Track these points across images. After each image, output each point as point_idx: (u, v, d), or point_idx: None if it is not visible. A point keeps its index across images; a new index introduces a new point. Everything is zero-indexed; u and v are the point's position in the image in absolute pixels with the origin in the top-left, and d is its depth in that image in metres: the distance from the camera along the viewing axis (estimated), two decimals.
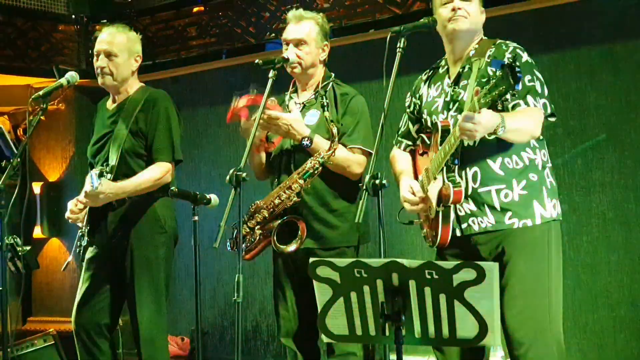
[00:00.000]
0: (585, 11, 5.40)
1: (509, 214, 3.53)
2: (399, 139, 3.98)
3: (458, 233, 3.59)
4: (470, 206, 3.57)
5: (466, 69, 3.62)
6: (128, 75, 4.67)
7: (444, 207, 3.52)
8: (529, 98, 3.47)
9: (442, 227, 3.55)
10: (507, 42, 3.65)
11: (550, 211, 3.57)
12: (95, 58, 4.67)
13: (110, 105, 4.75)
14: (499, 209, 3.53)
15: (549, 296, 3.53)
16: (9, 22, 7.30)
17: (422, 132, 3.83)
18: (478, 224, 3.56)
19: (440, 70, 3.80)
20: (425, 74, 3.90)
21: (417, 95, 3.88)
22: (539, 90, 3.52)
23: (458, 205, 3.56)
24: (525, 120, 3.44)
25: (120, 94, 4.70)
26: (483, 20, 3.71)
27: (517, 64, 3.00)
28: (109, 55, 4.61)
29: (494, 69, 3.10)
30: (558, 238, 3.63)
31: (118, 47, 4.63)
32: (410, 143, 3.92)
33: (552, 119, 3.55)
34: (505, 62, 3.04)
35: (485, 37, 3.72)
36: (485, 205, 3.55)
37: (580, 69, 5.41)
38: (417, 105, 3.87)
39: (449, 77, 3.71)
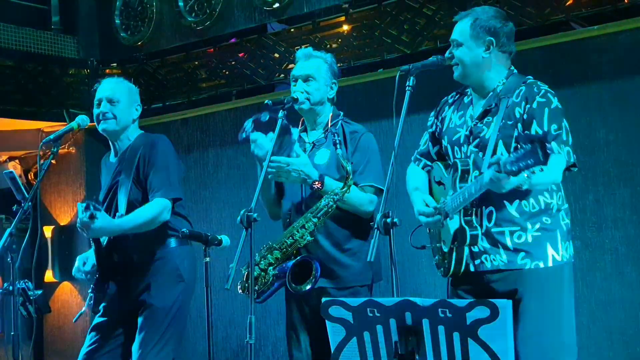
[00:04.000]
0: (594, 48, 5.41)
1: (521, 254, 3.54)
2: (418, 156, 3.99)
3: (472, 268, 3.60)
4: (484, 243, 3.57)
5: (493, 106, 3.63)
6: (129, 122, 4.65)
7: (458, 246, 3.54)
8: (554, 145, 3.45)
9: (455, 261, 3.57)
10: (539, 83, 3.64)
11: (563, 254, 3.58)
12: (96, 106, 4.65)
13: (112, 157, 4.72)
14: (512, 249, 3.54)
15: (561, 335, 3.54)
16: (20, 66, 7.36)
17: (440, 159, 3.84)
18: (491, 261, 3.57)
19: (466, 99, 3.81)
20: (451, 97, 3.91)
21: (440, 118, 3.89)
22: (564, 138, 3.51)
23: None
24: (550, 173, 3.39)
25: (121, 142, 4.66)
26: (491, 55, 3.67)
27: (549, 144, 2.99)
28: (111, 101, 4.60)
29: (523, 144, 3.07)
30: (570, 279, 3.64)
31: (120, 93, 4.63)
32: (429, 163, 3.93)
33: (574, 169, 3.55)
34: (536, 137, 3.04)
35: (516, 72, 3.73)
36: (499, 244, 3.55)
37: (589, 105, 5.40)
38: (439, 128, 3.88)
39: (473, 109, 3.72)
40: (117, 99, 4.62)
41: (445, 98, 3.93)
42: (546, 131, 3.48)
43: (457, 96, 3.89)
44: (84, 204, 4.25)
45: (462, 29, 3.70)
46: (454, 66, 3.72)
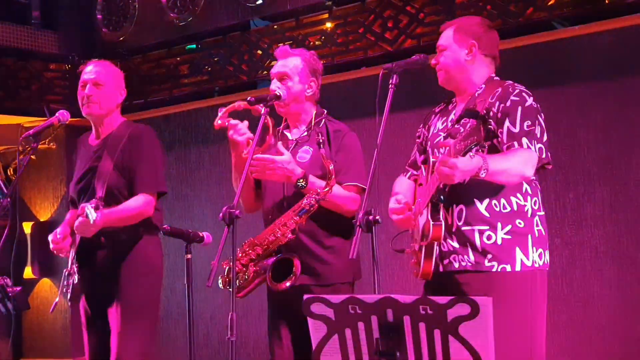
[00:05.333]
0: (576, 47, 5.44)
1: (489, 256, 3.53)
2: (406, 167, 4.00)
3: (441, 269, 3.60)
4: (454, 243, 3.57)
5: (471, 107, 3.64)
6: (113, 107, 4.66)
7: (426, 242, 3.53)
8: (524, 140, 3.47)
9: (424, 261, 3.55)
10: (516, 84, 3.66)
11: (534, 260, 3.55)
12: (80, 88, 4.64)
13: (93, 140, 4.72)
14: (480, 250, 3.53)
15: (526, 341, 3.52)
16: (0, 61, 7.32)
17: (424, 164, 3.85)
18: (459, 261, 3.56)
19: (450, 106, 3.84)
20: (438, 107, 3.93)
21: (427, 127, 3.91)
22: (538, 135, 3.51)
23: (443, 241, 3.56)
24: (513, 161, 3.43)
25: (103, 127, 4.66)
26: (474, 59, 3.70)
27: (491, 120, 3.02)
28: (96, 84, 4.60)
29: (467, 120, 3.13)
30: (543, 288, 3.61)
31: (105, 77, 4.64)
32: (415, 172, 3.93)
33: (549, 167, 3.56)
34: (480, 114, 3.06)
35: (497, 78, 3.75)
36: (468, 244, 3.55)
37: (570, 104, 5.44)
38: (425, 137, 3.89)
39: (455, 113, 3.75)
40: (103, 82, 4.62)
41: (433, 108, 3.96)
42: (518, 129, 3.49)
43: (443, 105, 3.91)
44: (93, 205, 4.27)
45: (446, 34, 3.76)
46: (439, 72, 3.75)
